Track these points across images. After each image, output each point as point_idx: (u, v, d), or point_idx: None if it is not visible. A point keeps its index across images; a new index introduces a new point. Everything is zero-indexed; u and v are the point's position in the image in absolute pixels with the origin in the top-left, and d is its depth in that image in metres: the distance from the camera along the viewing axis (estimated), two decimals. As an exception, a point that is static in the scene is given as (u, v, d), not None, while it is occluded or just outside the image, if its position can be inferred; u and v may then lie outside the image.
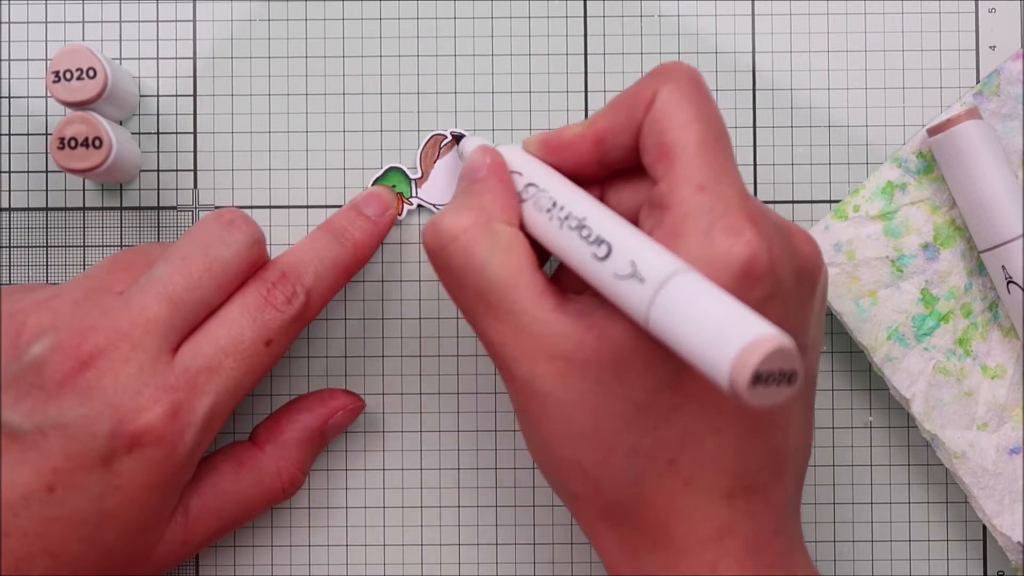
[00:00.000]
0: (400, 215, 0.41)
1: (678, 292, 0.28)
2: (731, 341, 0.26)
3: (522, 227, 0.34)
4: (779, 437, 0.33)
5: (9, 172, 0.42)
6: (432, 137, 0.41)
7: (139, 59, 0.42)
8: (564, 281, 0.35)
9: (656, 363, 0.31)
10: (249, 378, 0.35)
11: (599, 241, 0.31)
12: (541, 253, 0.34)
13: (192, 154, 0.42)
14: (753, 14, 0.42)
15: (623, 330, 0.31)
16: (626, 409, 0.31)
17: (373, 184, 0.41)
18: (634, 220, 0.33)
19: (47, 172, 0.42)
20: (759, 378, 0.26)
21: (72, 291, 0.35)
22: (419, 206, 0.41)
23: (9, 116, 0.42)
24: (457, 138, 0.41)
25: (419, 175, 0.41)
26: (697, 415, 0.31)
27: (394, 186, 0.41)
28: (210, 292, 0.35)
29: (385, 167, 0.41)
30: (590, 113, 0.42)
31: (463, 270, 0.33)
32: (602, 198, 0.35)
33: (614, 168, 0.34)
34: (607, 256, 0.30)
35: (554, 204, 0.33)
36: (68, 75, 0.38)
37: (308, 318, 0.37)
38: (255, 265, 0.36)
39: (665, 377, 0.31)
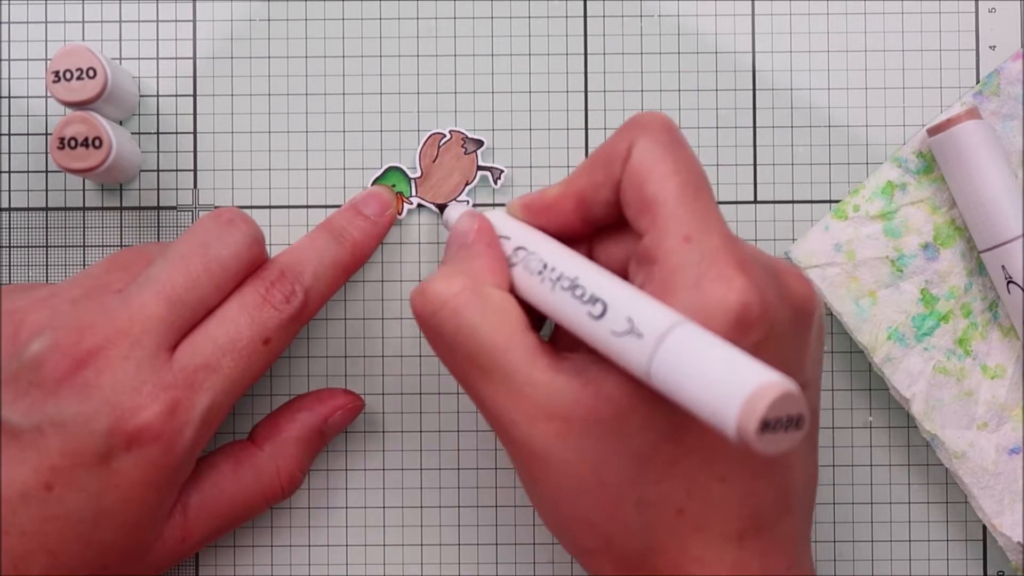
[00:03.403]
0: (400, 214, 0.41)
1: (678, 345, 0.28)
2: (736, 390, 0.26)
3: (513, 291, 0.34)
4: (784, 477, 0.33)
5: (9, 172, 0.42)
6: (431, 136, 0.41)
7: (139, 59, 0.42)
8: (560, 342, 0.35)
9: (655, 416, 0.31)
10: (247, 376, 0.35)
11: (593, 299, 0.31)
12: (535, 317, 0.34)
13: (192, 154, 0.42)
14: (753, 14, 0.42)
15: (620, 386, 0.31)
16: (629, 463, 0.31)
17: (373, 184, 0.41)
18: (623, 274, 0.33)
19: (47, 172, 0.42)
20: (767, 425, 0.26)
21: (71, 290, 0.35)
22: (419, 205, 0.41)
23: (9, 116, 0.42)
24: (441, 208, 0.40)
25: (419, 174, 0.41)
26: (701, 464, 0.31)
27: (394, 185, 0.41)
28: (208, 291, 0.35)
29: (384, 167, 0.41)
30: (590, 113, 0.42)
31: (454, 335, 0.33)
32: (590, 254, 0.35)
33: (599, 224, 0.34)
34: (603, 314, 0.30)
35: (545, 266, 0.33)
36: (68, 75, 0.38)
37: (306, 317, 0.37)
38: (254, 264, 0.36)
39: (666, 429, 0.31)
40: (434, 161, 0.41)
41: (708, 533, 0.32)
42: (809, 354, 0.33)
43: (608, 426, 0.31)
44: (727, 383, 0.27)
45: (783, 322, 0.31)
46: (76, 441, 0.33)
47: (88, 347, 0.33)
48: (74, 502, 0.33)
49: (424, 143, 0.41)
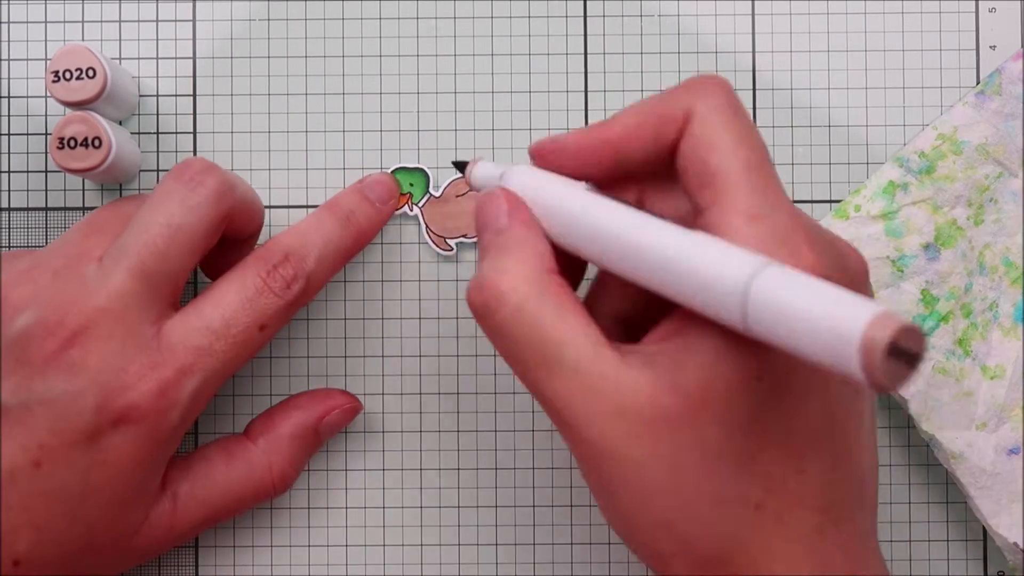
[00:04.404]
0: (398, 208, 0.41)
1: (772, 284, 0.26)
2: (857, 314, 0.24)
3: (561, 258, 0.32)
4: (857, 465, 0.32)
5: (9, 172, 0.42)
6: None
7: (139, 59, 0.42)
8: (597, 307, 0.34)
9: (730, 409, 0.29)
10: (239, 359, 0.35)
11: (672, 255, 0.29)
12: (571, 274, 0.33)
13: (192, 154, 0.42)
14: (753, 14, 0.42)
15: (692, 378, 0.29)
16: (705, 460, 0.30)
17: (393, 171, 0.41)
18: None
19: (47, 172, 0.42)
20: (895, 351, 0.24)
21: (51, 260, 0.35)
22: (417, 216, 0.41)
23: (9, 116, 0.42)
24: (459, 166, 0.37)
25: (439, 194, 0.41)
26: (777, 458, 0.30)
27: (411, 184, 0.41)
28: (180, 260, 0.35)
29: (413, 165, 0.41)
30: (590, 113, 0.42)
31: (517, 330, 0.31)
32: (639, 204, 0.33)
33: (629, 172, 0.33)
34: (684, 268, 0.29)
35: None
36: (68, 75, 0.38)
37: (304, 302, 0.36)
38: (228, 216, 0.36)
39: (740, 423, 0.30)
40: (458, 196, 0.41)
41: (788, 529, 0.30)
42: None
43: (682, 422, 0.29)
44: (842, 308, 0.25)
45: None
46: (64, 419, 0.33)
47: (73, 326, 0.33)
48: (62, 479, 0.33)
49: (461, 178, 0.41)
